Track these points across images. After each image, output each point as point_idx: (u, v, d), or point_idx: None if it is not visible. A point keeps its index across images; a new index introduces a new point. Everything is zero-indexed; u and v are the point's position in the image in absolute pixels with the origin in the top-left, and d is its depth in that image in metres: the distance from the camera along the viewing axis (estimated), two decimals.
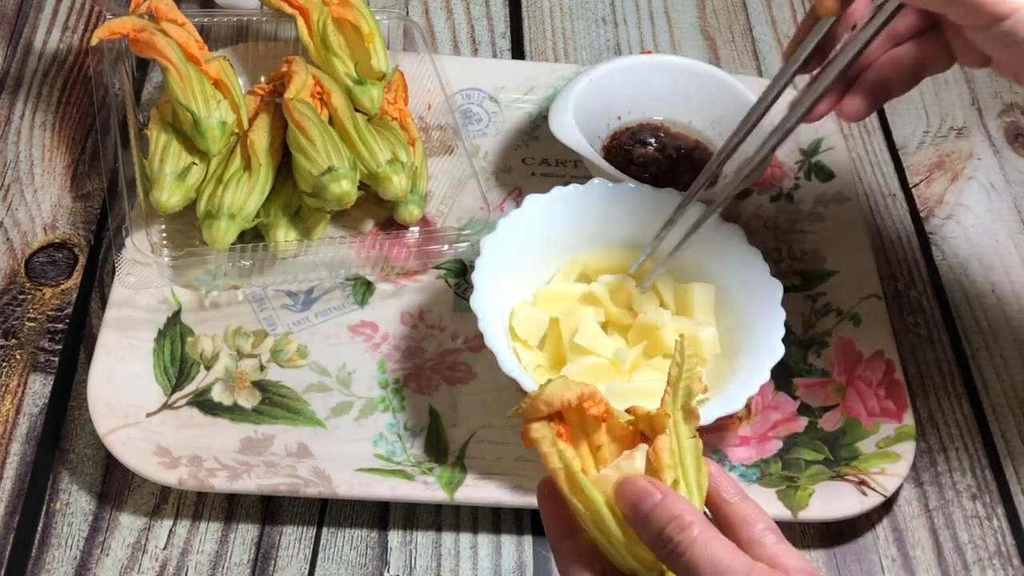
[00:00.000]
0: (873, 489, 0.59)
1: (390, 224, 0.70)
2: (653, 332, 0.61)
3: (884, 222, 0.76)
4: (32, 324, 0.65)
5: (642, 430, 0.43)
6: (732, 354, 0.61)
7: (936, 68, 0.54)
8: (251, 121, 0.66)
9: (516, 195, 0.73)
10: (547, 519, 0.43)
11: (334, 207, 0.63)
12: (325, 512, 0.59)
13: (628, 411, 0.43)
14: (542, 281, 0.65)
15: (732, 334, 0.62)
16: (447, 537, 0.59)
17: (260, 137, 0.64)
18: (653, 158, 0.73)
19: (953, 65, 0.55)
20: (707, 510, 0.43)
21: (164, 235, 0.65)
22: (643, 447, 0.42)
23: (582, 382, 0.42)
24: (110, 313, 0.63)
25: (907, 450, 0.61)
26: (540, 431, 0.41)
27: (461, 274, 0.69)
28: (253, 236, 0.65)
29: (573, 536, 0.42)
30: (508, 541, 0.59)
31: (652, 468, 0.41)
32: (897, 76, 0.54)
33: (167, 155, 0.63)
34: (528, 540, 0.59)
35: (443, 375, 0.64)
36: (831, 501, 0.58)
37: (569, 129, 0.68)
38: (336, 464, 0.59)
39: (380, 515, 0.59)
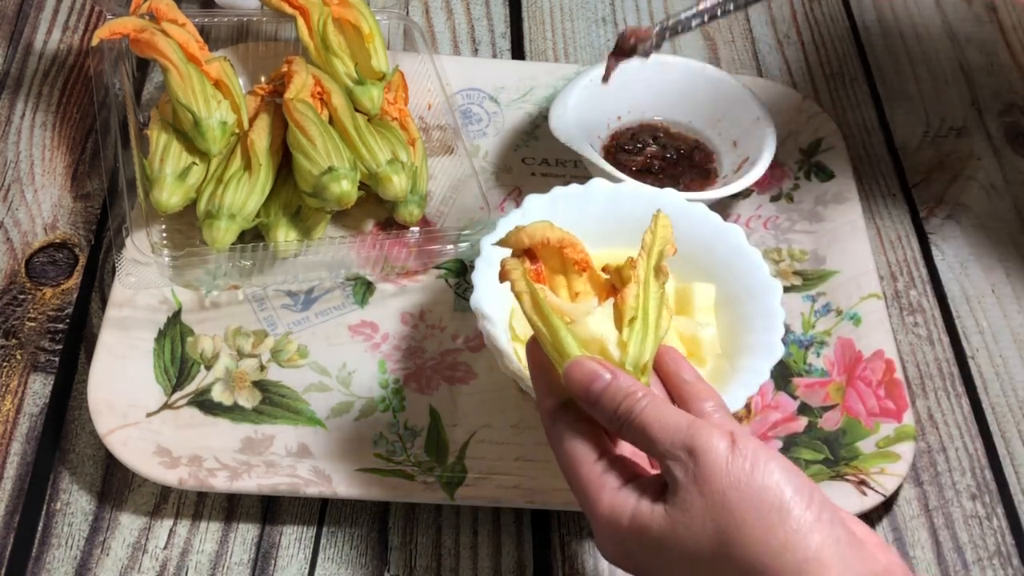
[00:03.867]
0: (873, 489, 0.59)
1: (390, 224, 0.70)
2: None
3: (884, 222, 0.76)
4: (32, 324, 0.65)
5: (613, 283, 0.48)
6: (732, 354, 0.61)
7: None
8: (251, 121, 0.66)
9: (516, 195, 0.73)
10: (530, 359, 0.48)
11: (334, 207, 0.63)
12: (325, 512, 0.59)
13: (603, 269, 0.49)
14: None
15: (732, 334, 0.62)
16: (447, 537, 0.59)
17: (260, 137, 0.64)
18: (653, 158, 0.73)
19: None
20: (664, 386, 0.48)
21: (164, 235, 0.65)
22: (609, 301, 0.47)
23: (567, 230, 0.47)
24: (110, 313, 0.63)
25: (907, 450, 0.61)
26: (512, 263, 0.47)
27: (461, 274, 0.69)
28: (253, 236, 0.65)
29: (551, 371, 0.46)
30: (508, 541, 0.59)
31: (617, 310, 0.46)
32: None
33: (167, 155, 0.63)
34: (528, 540, 0.59)
35: (443, 375, 0.64)
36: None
37: (569, 129, 0.68)
38: (336, 464, 0.59)
39: (380, 515, 0.59)
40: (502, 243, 0.48)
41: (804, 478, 0.40)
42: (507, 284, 0.47)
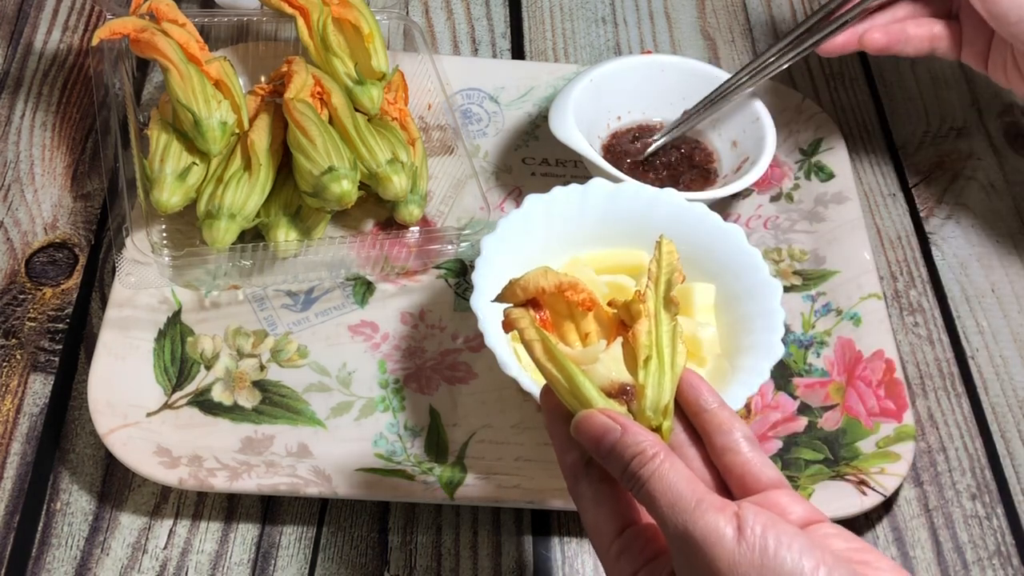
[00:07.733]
0: (873, 489, 0.59)
1: (390, 224, 0.70)
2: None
3: (884, 222, 0.76)
4: (32, 324, 0.65)
5: (622, 319, 0.45)
6: (732, 354, 0.61)
7: (945, 51, 0.68)
8: (251, 121, 0.66)
9: (516, 195, 0.73)
10: (545, 409, 0.46)
11: (334, 207, 0.63)
12: (325, 512, 0.59)
13: (609, 304, 0.46)
14: None
15: (732, 334, 0.62)
16: (447, 537, 0.59)
17: (260, 137, 0.64)
18: (653, 158, 0.73)
19: (958, 58, 0.69)
20: (686, 415, 0.45)
21: (164, 235, 0.65)
22: (618, 341, 0.45)
23: (564, 272, 0.45)
24: (110, 313, 0.63)
25: (907, 450, 0.61)
26: (517, 313, 0.44)
27: (461, 274, 0.69)
28: (253, 236, 0.65)
29: (567, 421, 0.44)
30: (508, 541, 0.59)
31: (629, 349, 0.44)
32: (916, 35, 0.67)
33: (167, 155, 0.63)
34: (528, 540, 0.59)
35: (443, 375, 0.64)
36: (831, 501, 0.58)
37: (569, 129, 0.68)
38: (336, 464, 0.59)
39: (380, 515, 0.59)
40: (500, 299, 0.46)
41: (820, 556, 0.37)
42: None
